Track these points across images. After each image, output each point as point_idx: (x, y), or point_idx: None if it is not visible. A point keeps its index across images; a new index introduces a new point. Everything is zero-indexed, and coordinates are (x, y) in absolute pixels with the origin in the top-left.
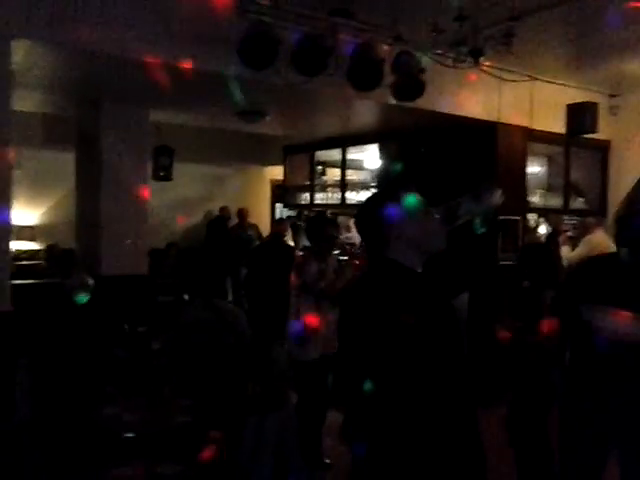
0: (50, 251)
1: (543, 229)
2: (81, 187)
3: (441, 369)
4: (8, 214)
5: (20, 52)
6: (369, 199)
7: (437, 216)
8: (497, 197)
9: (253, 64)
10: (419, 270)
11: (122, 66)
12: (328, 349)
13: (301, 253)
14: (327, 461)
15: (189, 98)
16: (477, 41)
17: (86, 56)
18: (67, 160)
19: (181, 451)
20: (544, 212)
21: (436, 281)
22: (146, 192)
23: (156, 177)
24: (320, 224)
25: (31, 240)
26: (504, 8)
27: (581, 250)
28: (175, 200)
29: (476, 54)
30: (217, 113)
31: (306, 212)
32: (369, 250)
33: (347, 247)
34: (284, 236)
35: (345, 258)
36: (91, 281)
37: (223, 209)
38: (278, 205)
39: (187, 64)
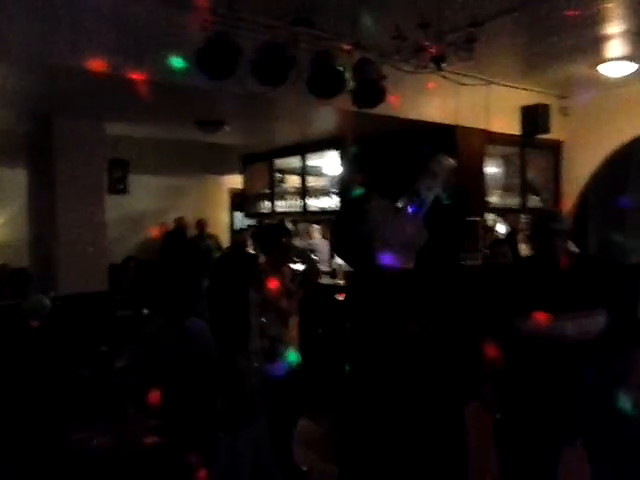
0: (1, 271)
1: (502, 228)
2: (34, 204)
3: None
4: None
5: None
6: (340, 222)
7: (401, 205)
8: (448, 161)
9: (214, 74)
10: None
11: (75, 79)
12: (295, 360)
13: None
14: (304, 469)
15: (146, 110)
16: (440, 47)
17: (37, 69)
18: (16, 176)
19: (154, 474)
20: (502, 212)
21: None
22: (104, 207)
23: (111, 191)
24: (273, 234)
25: None
26: (465, 15)
27: None
28: (131, 213)
29: (438, 60)
30: (175, 124)
31: (267, 220)
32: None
33: (309, 254)
34: (245, 246)
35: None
36: (48, 301)
37: (179, 220)
38: (237, 214)
39: (143, 75)
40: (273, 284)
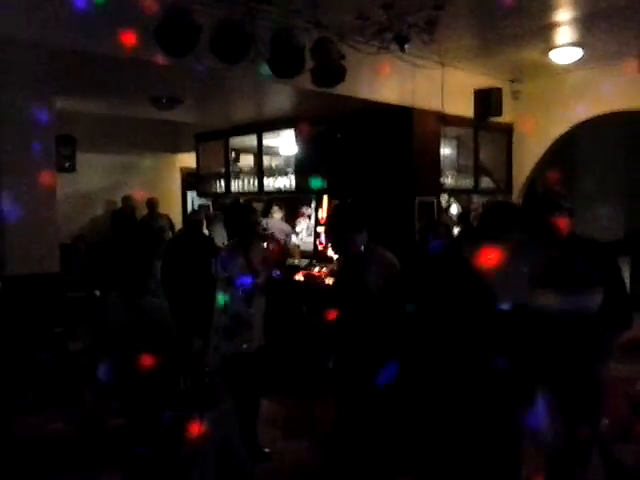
0: None
1: (454, 209)
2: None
3: None
4: None
5: None
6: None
7: None
8: None
9: (172, 50)
10: None
11: (23, 51)
12: (257, 340)
13: (224, 245)
14: (266, 450)
15: (98, 85)
16: (402, 28)
17: None
18: None
19: (119, 456)
20: (456, 192)
21: None
22: (54, 184)
23: (59, 168)
24: (238, 212)
25: None
26: None
27: None
28: (80, 192)
29: (402, 41)
30: (127, 100)
31: (222, 200)
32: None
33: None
34: (201, 226)
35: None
36: None
37: (126, 199)
38: (190, 193)
39: (97, 49)
40: (239, 262)
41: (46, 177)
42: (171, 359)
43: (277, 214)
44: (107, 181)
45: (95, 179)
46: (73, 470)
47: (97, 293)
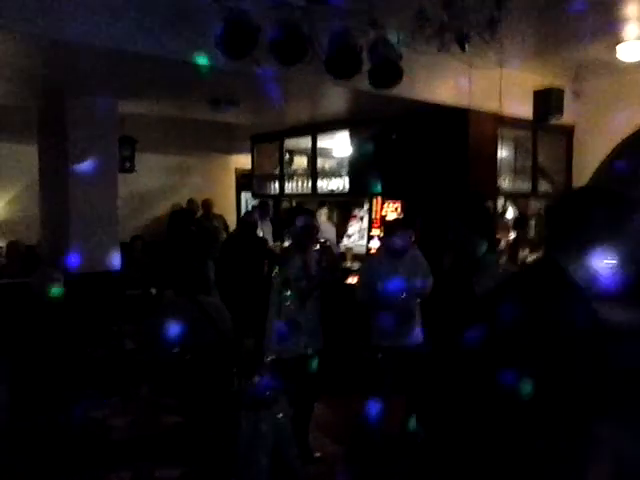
0: (12, 248)
1: (510, 213)
2: (45, 181)
3: None
4: None
5: None
6: None
7: None
8: None
9: (231, 53)
10: None
11: (88, 56)
12: (313, 344)
13: (284, 247)
14: (317, 455)
15: (159, 88)
16: (463, 28)
17: (50, 46)
18: (25, 153)
19: (177, 453)
20: (513, 196)
21: None
22: (116, 185)
23: (119, 169)
24: (297, 215)
25: None
26: None
27: None
28: (138, 192)
29: (462, 41)
30: (186, 102)
31: (285, 203)
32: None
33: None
34: (255, 227)
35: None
36: (59, 274)
37: (191, 201)
38: (244, 194)
39: (157, 53)
40: (297, 263)
41: (109, 178)
42: (227, 358)
43: (323, 217)
44: (164, 181)
45: (153, 180)
46: (130, 465)
47: (153, 291)
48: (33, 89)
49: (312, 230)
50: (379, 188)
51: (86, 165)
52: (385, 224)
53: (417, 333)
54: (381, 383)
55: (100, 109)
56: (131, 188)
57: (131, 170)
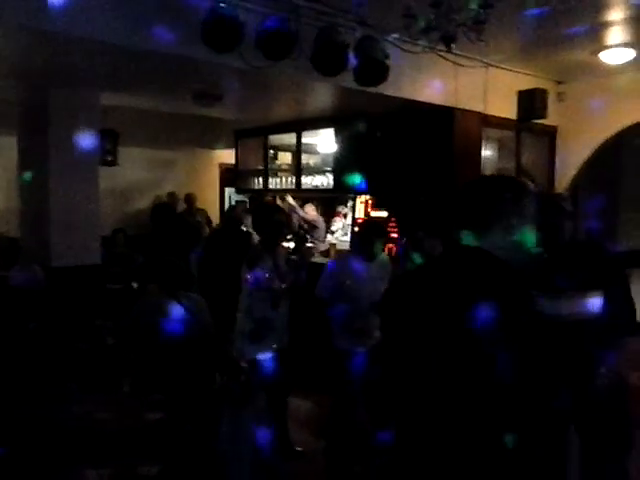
0: None
1: None
2: (25, 175)
3: None
4: None
5: None
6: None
7: None
8: None
9: (217, 47)
10: None
11: (71, 48)
12: (282, 343)
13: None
14: (298, 449)
15: (143, 81)
16: (450, 28)
17: (33, 37)
18: (4, 144)
19: (159, 449)
20: None
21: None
22: (97, 178)
23: (101, 162)
24: (266, 212)
25: None
26: None
27: None
28: (120, 186)
29: (449, 40)
30: (170, 96)
31: (267, 198)
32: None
33: (304, 226)
34: (240, 222)
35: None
36: (41, 273)
37: (171, 195)
38: (228, 190)
39: (142, 46)
40: (267, 264)
41: (90, 170)
42: (208, 354)
43: (312, 211)
44: (147, 175)
45: (135, 173)
46: (111, 461)
47: (134, 285)
48: (17, 82)
49: (282, 228)
50: (363, 186)
51: (67, 157)
52: (364, 225)
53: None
54: (347, 381)
55: (82, 101)
56: (113, 182)
57: (113, 163)
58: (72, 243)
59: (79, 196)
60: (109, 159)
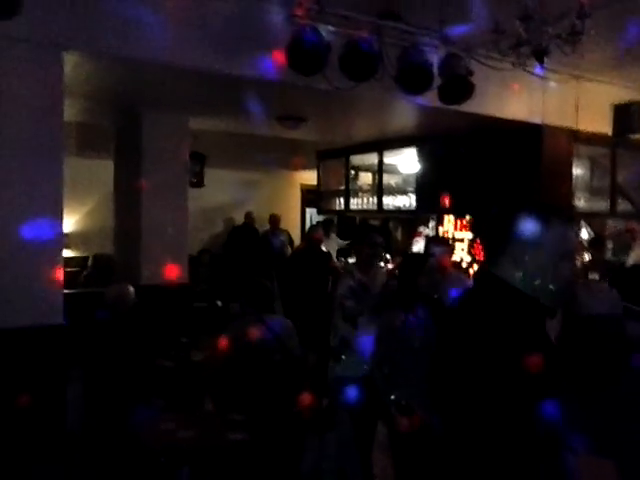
0: (97, 260)
1: (584, 234)
2: (120, 195)
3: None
4: (61, 225)
5: (70, 63)
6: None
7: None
8: None
9: (302, 70)
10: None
11: (163, 74)
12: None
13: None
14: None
15: (229, 105)
16: (542, 41)
17: (130, 66)
18: (100, 167)
19: (241, 470)
20: (589, 216)
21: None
22: (186, 200)
23: (189, 184)
24: (365, 232)
25: (65, 248)
26: (566, 4)
27: None
28: (206, 207)
29: (541, 55)
30: (255, 119)
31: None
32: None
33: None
34: (320, 243)
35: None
36: (132, 290)
37: (248, 214)
38: (309, 210)
39: (229, 70)
40: (345, 284)
41: (180, 192)
42: (292, 376)
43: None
44: (232, 196)
45: (221, 194)
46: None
47: (219, 303)
48: (110, 107)
49: (376, 249)
50: (446, 206)
51: (158, 179)
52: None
53: None
54: None
55: (172, 126)
56: (200, 202)
57: (200, 185)
58: (162, 262)
59: (169, 217)
60: (196, 181)
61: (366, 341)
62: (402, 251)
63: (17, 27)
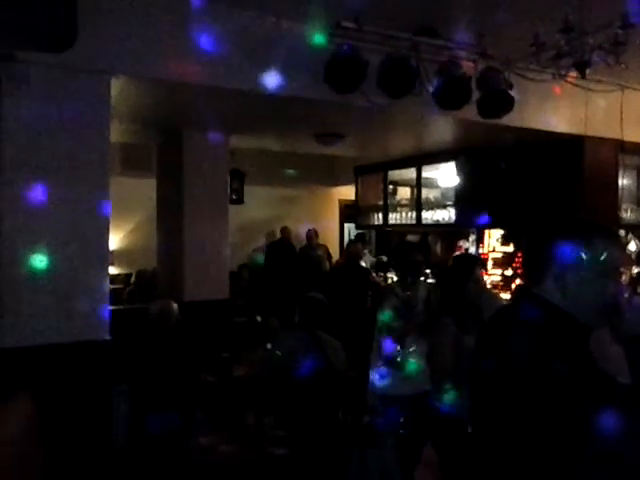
0: (139, 276)
1: (633, 246)
2: (162, 212)
3: None
4: (107, 242)
5: (116, 88)
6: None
7: None
8: None
9: (340, 88)
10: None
11: (206, 95)
12: (416, 387)
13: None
14: None
15: (268, 123)
16: (584, 52)
17: (172, 88)
18: (143, 186)
19: None
20: (636, 228)
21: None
22: (227, 217)
23: (229, 200)
24: (405, 250)
25: (110, 265)
26: (610, 14)
27: None
28: (245, 223)
29: (582, 66)
30: (293, 136)
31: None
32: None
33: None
34: (360, 258)
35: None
36: (175, 306)
37: (284, 229)
38: (347, 225)
39: (269, 90)
40: (390, 304)
41: (220, 209)
42: (336, 393)
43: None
44: (270, 213)
45: (259, 211)
46: None
47: (258, 318)
48: (152, 127)
49: (418, 266)
50: (487, 220)
51: (199, 197)
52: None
53: None
54: None
55: (212, 144)
56: (239, 219)
57: (239, 202)
58: (203, 278)
59: (210, 233)
60: (236, 198)
61: (414, 359)
62: (441, 264)
63: (72, 58)
